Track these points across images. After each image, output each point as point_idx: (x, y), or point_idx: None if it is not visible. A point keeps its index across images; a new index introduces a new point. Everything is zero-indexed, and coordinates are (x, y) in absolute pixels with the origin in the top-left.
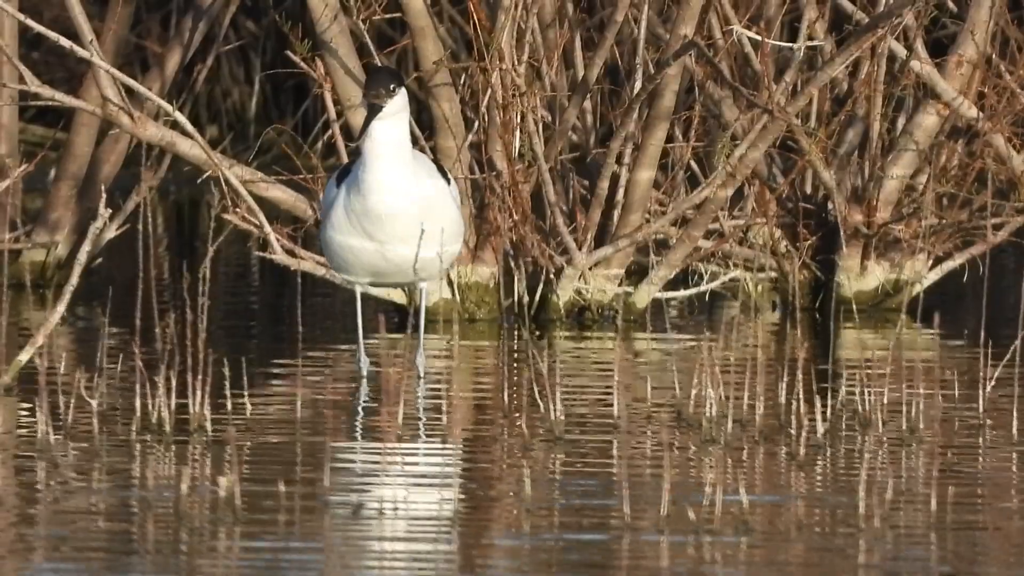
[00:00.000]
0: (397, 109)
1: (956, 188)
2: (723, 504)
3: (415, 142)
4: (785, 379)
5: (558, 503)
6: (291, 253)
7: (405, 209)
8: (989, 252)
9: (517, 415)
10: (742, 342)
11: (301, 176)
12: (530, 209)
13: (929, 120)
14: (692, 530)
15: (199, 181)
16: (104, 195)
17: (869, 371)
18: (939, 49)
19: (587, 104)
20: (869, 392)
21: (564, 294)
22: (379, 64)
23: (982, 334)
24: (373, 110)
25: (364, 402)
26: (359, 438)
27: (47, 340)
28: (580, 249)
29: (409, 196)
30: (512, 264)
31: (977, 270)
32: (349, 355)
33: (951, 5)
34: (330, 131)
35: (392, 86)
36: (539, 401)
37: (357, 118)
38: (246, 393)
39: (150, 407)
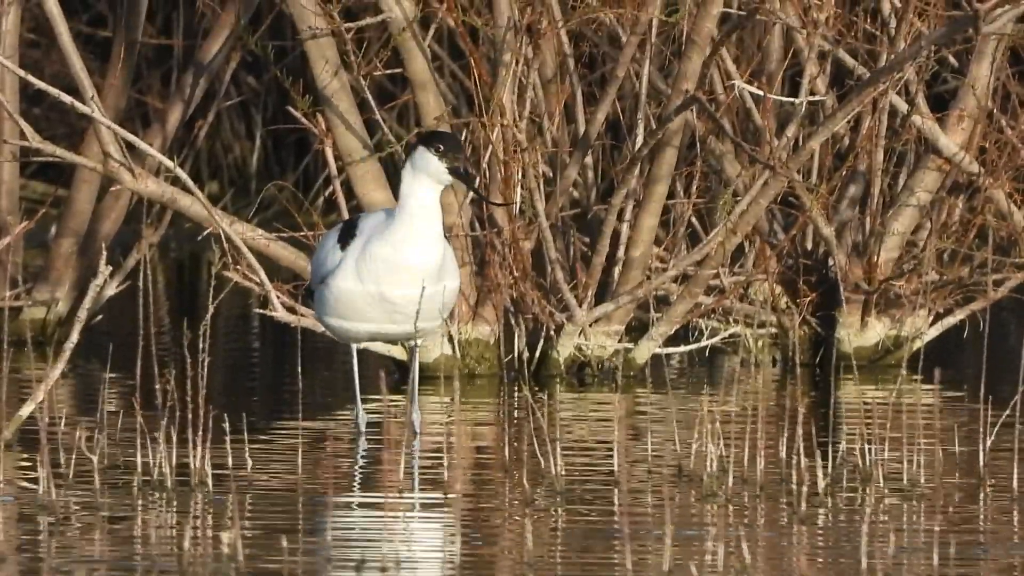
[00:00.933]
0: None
1: (957, 244)
2: (725, 559)
3: None
4: (786, 434)
5: (560, 558)
6: (291, 310)
7: (432, 264)
8: (989, 308)
9: (517, 470)
10: (742, 397)
11: (302, 233)
12: (531, 266)
13: (930, 175)
14: None
15: (200, 238)
16: (104, 252)
17: (870, 426)
18: (940, 104)
19: (588, 160)
20: (870, 447)
21: (564, 350)
22: (445, 130)
23: (982, 389)
24: (462, 174)
25: (364, 458)
26: (360, 493)
27: (48, 395)
28: (580, 306)
29: (438, 253)
30: (512, 320)
31: (977, 325)
32: (349, 410)
33: (952, 60)
34: (331, 187)
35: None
36: (539, 456)
37: (362, 179)
38: (247, 448)
39: (151, 462)
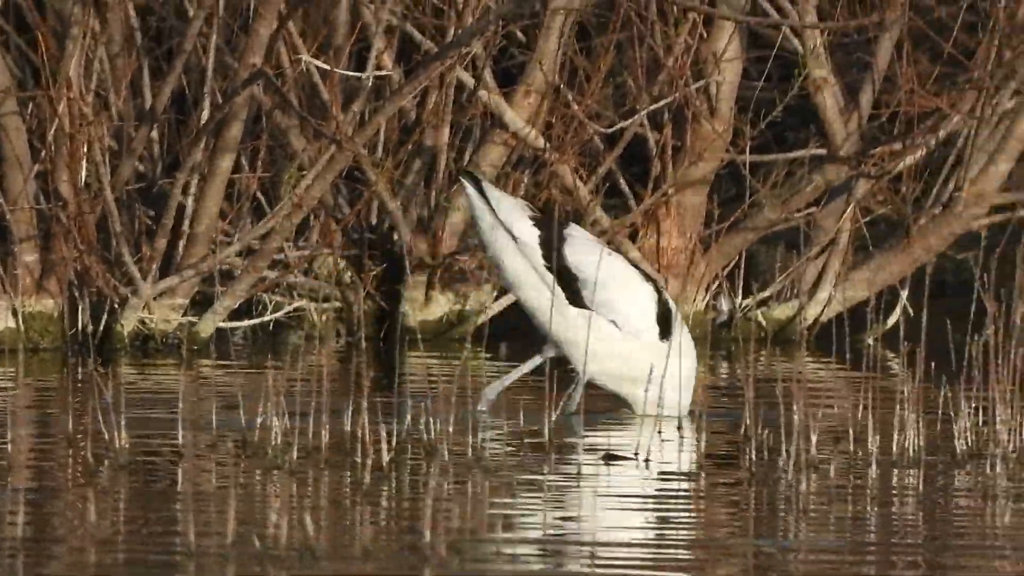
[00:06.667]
0: None
1: None
2: (289, 530)
3: None
4: (351, 407)
5: (123, 531)
6: None
7: None
8: None
9: (82, 443)
10: (308, 371)
11: None
12: (96, 239)
13: (496, 150)
14: (257, 556)
15: None
16: None
17: (435, 399)
18: (509, 79)
19: (154, 133)
20: (435, 420)
21: (128, 324)
22: None
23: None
24: None
25: None
26: None
27: None
28: (145, 279)
29: None
30: (77, 294)
31: None
32: None
33: (520, 35)
34: None
35: None
36: (104, 430)
37: None
38: None
39: None
